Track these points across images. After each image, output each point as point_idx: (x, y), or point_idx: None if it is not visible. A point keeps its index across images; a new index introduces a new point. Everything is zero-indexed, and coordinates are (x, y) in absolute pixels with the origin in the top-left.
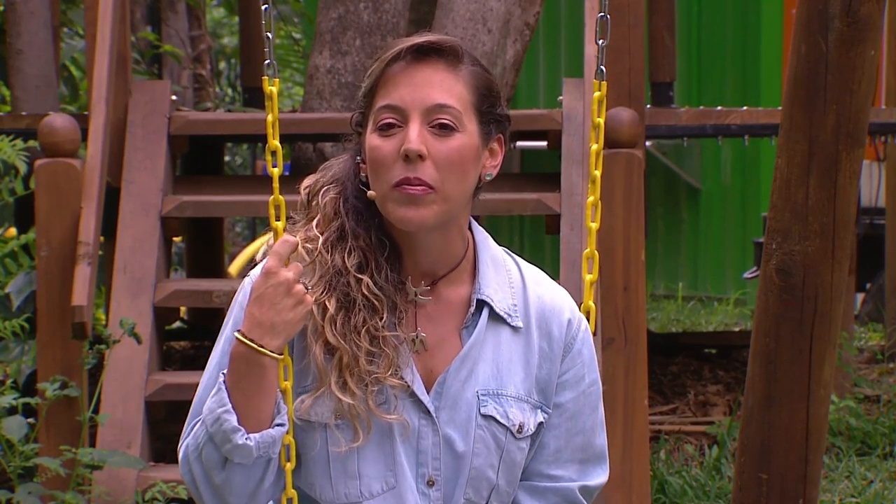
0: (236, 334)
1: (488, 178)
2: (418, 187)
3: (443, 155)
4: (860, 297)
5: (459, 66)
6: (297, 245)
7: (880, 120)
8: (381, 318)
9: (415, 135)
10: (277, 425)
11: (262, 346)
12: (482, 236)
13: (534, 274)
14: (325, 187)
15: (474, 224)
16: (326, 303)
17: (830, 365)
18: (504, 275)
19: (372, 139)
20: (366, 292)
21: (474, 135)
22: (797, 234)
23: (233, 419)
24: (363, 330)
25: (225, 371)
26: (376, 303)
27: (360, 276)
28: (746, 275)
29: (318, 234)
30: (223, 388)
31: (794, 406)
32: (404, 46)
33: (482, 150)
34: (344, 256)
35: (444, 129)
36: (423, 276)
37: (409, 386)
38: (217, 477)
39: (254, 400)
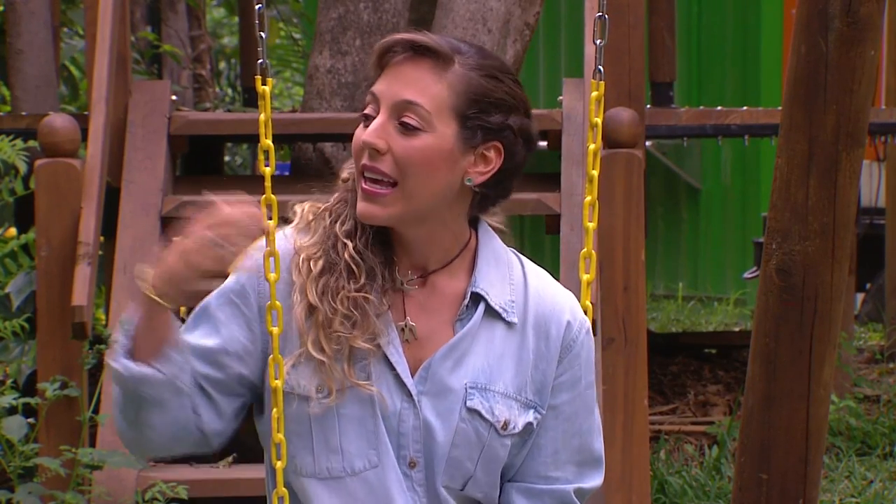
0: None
1: (468, 183)
2: (377, 188)
3: (401, 151)
4: (860, 297)
5: (449, 68)
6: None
7: (880, 120)
8: (358, 283)
9: (373, 127)
10: (155, 366)
11: (159, 297)
12: (488, 235)
13: (538, 274)
14: (351, 168)
15: (482, 222)
16: (314, 263)
17: (830, 365)
18: (505, 271)
19: (358, 128)
20: (347, 257)
21: (447, 138)
22: (797, 234)
23: (122, 339)
24: (341, 293)
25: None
26: (355, 268)
27: (346, 241)
28: (746, 275)
29: (328, 202)
30: (133, 310)
31: (794, 406)
32: (399, 39)
33: (461, 155)
34: (339, 223)
35: (409, 126)
36: (414, 267)
37: (378, 349)
38: (119, 417)
39: (142, 334)
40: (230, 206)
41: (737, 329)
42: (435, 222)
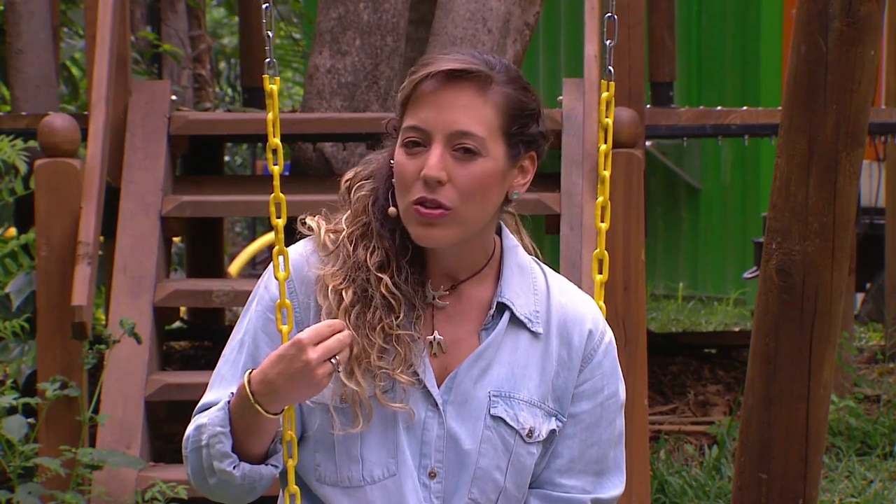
0: (246, 375)
1: (515, 197)
2: (434, 210)
3: (464, 180)
4: (860, 297)
5: (490, 89)
6: (348, 349)
7: (880, 120)
8: (398, 318)
9: (434, 160)
10: (271, 464)
11: (259, 404)
12: (511, 244)
13: (560, 283)
14: (361, 182)
15: (505, 231)
16: (343, 293)
17: (830, 365)
18: (529, 281)
19: (399, 154)
20: (384, 291)
21: (499, 159)
22: (797, 234)
23: (227, 444)
24: (378, 327)
25: (233, 392)
26: (393, 302)
27: (380, 274)
28: (746, 275)
29: (344, 227)
30: (226, 409)
31: (794, 406)
32: (434, 70)
33: (508, 171)
34: (367, 253)
35: (467, 154)
36: (444, 278)
37: (419, 381)
38: (210, 479)
39: (248, 437)
40: (317, 335)
41: (737, 329)
42: (476, 237)
